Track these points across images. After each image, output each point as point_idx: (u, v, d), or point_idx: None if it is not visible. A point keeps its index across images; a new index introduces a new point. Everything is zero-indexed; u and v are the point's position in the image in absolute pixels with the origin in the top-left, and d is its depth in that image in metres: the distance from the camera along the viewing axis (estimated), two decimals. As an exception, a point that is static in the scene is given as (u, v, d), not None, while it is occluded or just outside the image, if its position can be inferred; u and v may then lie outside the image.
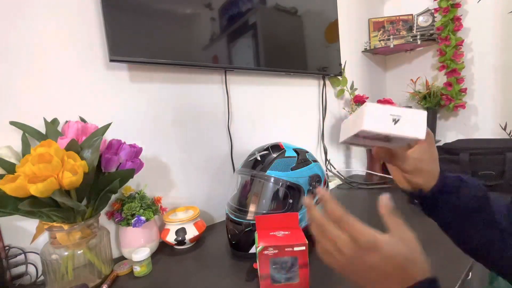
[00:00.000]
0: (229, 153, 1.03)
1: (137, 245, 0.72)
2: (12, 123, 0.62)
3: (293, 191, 0.71)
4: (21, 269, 0.66)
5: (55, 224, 0.59)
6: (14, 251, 0.65)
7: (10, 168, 0.56)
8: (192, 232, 0.78)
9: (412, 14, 1.59)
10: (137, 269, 0.66)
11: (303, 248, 0.53)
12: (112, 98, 0.78)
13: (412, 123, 0.32)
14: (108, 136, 0.69)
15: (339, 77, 1.41)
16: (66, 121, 0.66)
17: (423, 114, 0.32)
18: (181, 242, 0.77)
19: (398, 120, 0.32)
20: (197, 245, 0.81)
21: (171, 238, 0.77)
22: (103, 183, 0.63)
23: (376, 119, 0.32)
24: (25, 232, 0.65)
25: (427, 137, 0.35)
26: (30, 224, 0.65)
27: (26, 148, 0.61)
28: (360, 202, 1.04)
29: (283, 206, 0.71)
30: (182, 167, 0.92)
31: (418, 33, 1.53)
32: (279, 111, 1.20)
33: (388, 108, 0.32)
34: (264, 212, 0.71)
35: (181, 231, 0.77)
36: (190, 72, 0.92)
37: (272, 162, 0.72)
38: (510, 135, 1.40)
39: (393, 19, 1.62)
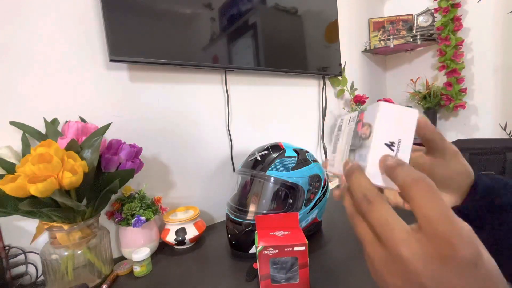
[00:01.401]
0: (229, 153, 1.03)
1: (137, 245, 0.72)
2: (12, 123, 0.62)
3: (293, 191, 0.71)
4: (21, 269, 0.66)
5: (55, 224, 0.59)
6: (14, 251, 0.65)
7: (10, 168, 0.56)
8: (192, 232, 0.78)
9: (412, 14, 1.59)
10: (137, 269, 0.66)
11: (303, 248, 0.53)
12: (112, 98, 0.78)
13: (393, 124, 0.24)
14: (108, 136, 0.69)
15: (339, 77, 1.41)
16: (66, 121, 0.66)
17: (383, 106, 0.24)
18: (181, 242, 0.77)
19: (393, 142, 0.24)
20: (197, 245, 0.81)
21: (171, 238, 0.77)
22: (103, 183, 0.63)
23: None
24: (25, 232, 0.65)
25: (445, 151, 0.28)
26: (30, 224, 0.65)
27: (26, 148, 0.61)
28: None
29: (283, 206, 0.71)
30: (182, 167, 0.92)
31: (418, 33, 1.53)
32: (279, 111, 1.20)
33: (375, 145, 0.24)
34: (264, 212, 0.71)
35: (181, 231, 0.77)
36: (190, 72, 0.92)
37: (272, 162, 0.72)
38: (510, 135, 1.40)
39: (393, 19, 1.63)
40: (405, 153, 0.23)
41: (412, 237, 0.17)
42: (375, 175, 0.23)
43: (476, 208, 0.31)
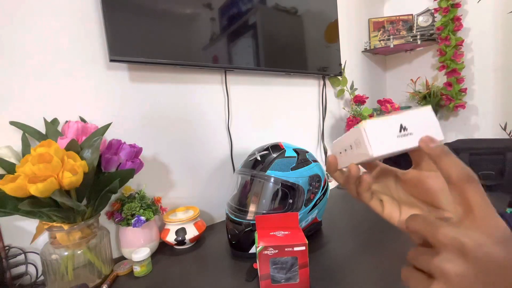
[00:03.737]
0: (229, 153, 1.03)
1: (137, 245, 0.72)
2: (12, 123, 0.62)
3: (293, 191, 0.71)
4: (21, 269, 0.66)
5: (55, 224, 0.59)
6: (14, 251, 0.65)
7: (10, 168, 0.56)
8: (192, 232, 0.78)
9: (412, 14, 1.59)
10: (137, 269, 0.66)
11: (303, 248, 0.53)
12: (112, 98, 0.78)
13: (423, 125, 0.26)
14: (108, 136, 0.69)
15: (339, 77, 1.41)
16: (66, 121, 0.66)
17: (428, 110, 0.26)
18: (181, 242, 0.77)
19: (405, 128, 0.26)
20: (197, 245, 0.81)
21: (171, 238, 0.77)
22: (103, 183, 0.63)
23: (382, 139, 0.26)
24: (25, 232, 0.65)
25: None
26: (30, 224, 0.65)
27: (26, 148, 0.61)
28: (359, 203, 1.04)
29: (283, 206, 0.71)
30: (182, 167, 0.92)
31: (418, 33, 1.53)
32: (279, 111, 1.20)
33: (389, 119, 0.26)
34: (264, 212, 0.71)
35: (181, 231, 0.77)
36: (190, 72, 0.92)
37: (272, 162, 0.72)
38: (510, 135, 1.40)
39: (393, 19, 1.63)
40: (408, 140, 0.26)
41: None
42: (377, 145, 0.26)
43: None
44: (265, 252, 0.53)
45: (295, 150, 0.77)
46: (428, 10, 1.54)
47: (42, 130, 0.64)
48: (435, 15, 1.52)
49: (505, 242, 0.20)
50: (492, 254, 0.20)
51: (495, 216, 0.21)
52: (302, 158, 0.75)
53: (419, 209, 0.30)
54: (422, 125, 0.26)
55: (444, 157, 0.23)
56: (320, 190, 0.76)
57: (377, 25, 1.64)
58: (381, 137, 0.26)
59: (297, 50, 1.17)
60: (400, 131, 0.26)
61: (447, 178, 0.23)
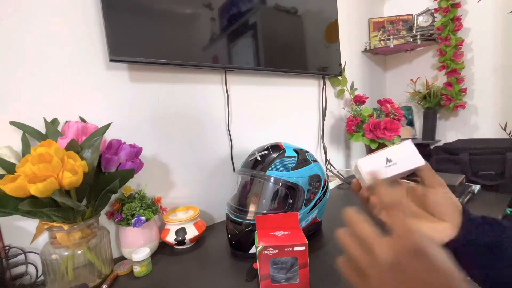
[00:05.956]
0: (229, 153, 1.03)
1: (137, 245, 0.72)
2: (12, 123, 0.62)
3: (293, 191, 0.71)
4: (21, 269, 0.66)
5: (55, 224, 0.59)
6: (14, 251, 0.65)
7: (10, 168, 0.56)
8: (192, 232, 0.78)
9: (412, 14, 1.59)
10: (137, 269, 0.66)
11: (303, 248, 0.53)
12: (112, 98, 0.78)
13: (404, 155, 0.36)
14: (108, 136, 0.69)
15: (339, 77, 1.41)
16: (66, 121, 0.66)
17: (408, 143, 0.37)
18: (181, 242, 0.77)
19: (390, 160, 0.36)
20: (197, 245, 0.81)
21: (171, 238, 0.77)
22: (103, 183, 0.63)
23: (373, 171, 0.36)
24: (25, 232, 0.65)
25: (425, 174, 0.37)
26: (30, 224, 0.65)
27: (26, 148, 0.61)
28: (359, 203, 1.04)
29: (283, 206, 0.71)
30: (182, 167, 0.92)
31: (418, 33, 1.53)
32: (279, 111, 1.20)
33: (376, 155, 0.37)
34: (264, 212, 0.71)
35: (181, 231, 0.77)
36: (190, 72, 0.92)
37: (272, 162, 0.72)
38: (510, 135, 1.40)
39: (393, 19, 1.63)
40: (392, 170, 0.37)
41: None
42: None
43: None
44: (265, 252, 0.53)
45: (295, 150, 0.77)
46: (428, 10, 1.54)
47: (42, 130, 0.64)
48: (435, 15, 1.52)
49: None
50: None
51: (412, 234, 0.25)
52: (302, 158, 0.75)
53: (424, 219, 0.37)
54: (403, 156, 0.37)
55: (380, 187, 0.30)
56: (320, 190, 0.76)
57: (377, 25, 1.64)
58: (372, 169, 0.37)
59: (297, 50, 1.17)
60: (387, 163, 0.37)
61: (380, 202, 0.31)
